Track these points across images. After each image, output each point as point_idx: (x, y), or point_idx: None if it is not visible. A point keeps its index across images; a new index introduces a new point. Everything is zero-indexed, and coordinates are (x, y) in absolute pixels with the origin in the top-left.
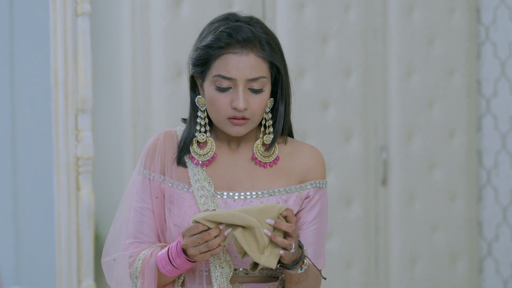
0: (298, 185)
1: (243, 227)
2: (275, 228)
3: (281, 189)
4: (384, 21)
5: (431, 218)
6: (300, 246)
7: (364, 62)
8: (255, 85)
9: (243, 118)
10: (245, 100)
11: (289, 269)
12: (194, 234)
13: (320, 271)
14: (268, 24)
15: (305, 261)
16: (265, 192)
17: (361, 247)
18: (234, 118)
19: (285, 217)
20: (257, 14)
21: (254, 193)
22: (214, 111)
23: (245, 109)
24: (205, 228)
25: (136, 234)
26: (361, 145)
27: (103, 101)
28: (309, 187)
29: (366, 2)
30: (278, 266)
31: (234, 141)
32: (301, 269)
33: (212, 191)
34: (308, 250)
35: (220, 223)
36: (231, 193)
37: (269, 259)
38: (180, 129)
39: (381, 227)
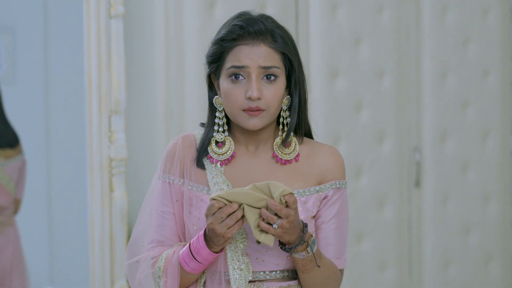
0: (317, 187)
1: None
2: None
3: (300, 191)
4: (417, 22)
5: (465, 219)
6: (303, 232)
7: (398, 63)
8: (268, 75)
9: (258, 110)
10: (258, 89)
11: (286, 251)
12: (215, 212)
13: (342, 270)
14: (301, 26)
15: (308, 249)
16: None
17: (394, 248)
18: (249, 109)
19: (286, 202)
20: (290, 16)
21: None
22: (229, 104)
23: (259, 99)
24: (222, 205)
25: (158, 238)
26: (395, 146)
27: (136, 103)
28: (328, 188)
29: (399, 4)
30: (279, 247)
31: (252, 144)
32: (300, 254)
33: None
34: (329, 250)
35: (233, 201)
36: None
37: (268, 237)
38: (199, 133)
39: (415, 228)
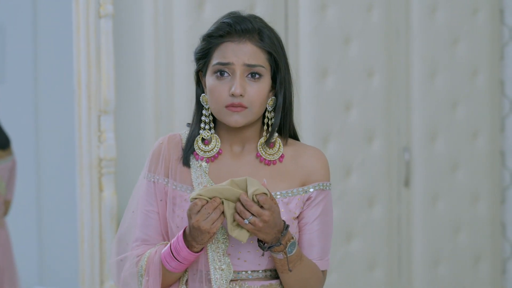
0: (300, 188)
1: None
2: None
3: (283, 192)
4: (407, 21)
5: (454, 219)
6: (282, 233)
7: (387, 62)
8: (253, 73)
9: (240, 106)
10: (241, 86)
11: (263, 249)
12: (199, 210)
13: (324, 272)
14: (291, 25)
15: (286, 250)
16: None
17: (383, 248)
18: (232, 105)
19: (258, 201)
20: (280, 16)
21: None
22: (214, 100)
23: (242, 96)
24: (205, 202)
25: (143, 237)
26: (384, 146)
27: (126, 103)
28: (311, 189)
29: (389, 3)
30: (258, 244)
31: (237, 143)
32: (278, 255)
33: None
34: (312, 251)
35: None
36: None
37: (241, 233)
38: (185, 132)
39: (404, 228)
